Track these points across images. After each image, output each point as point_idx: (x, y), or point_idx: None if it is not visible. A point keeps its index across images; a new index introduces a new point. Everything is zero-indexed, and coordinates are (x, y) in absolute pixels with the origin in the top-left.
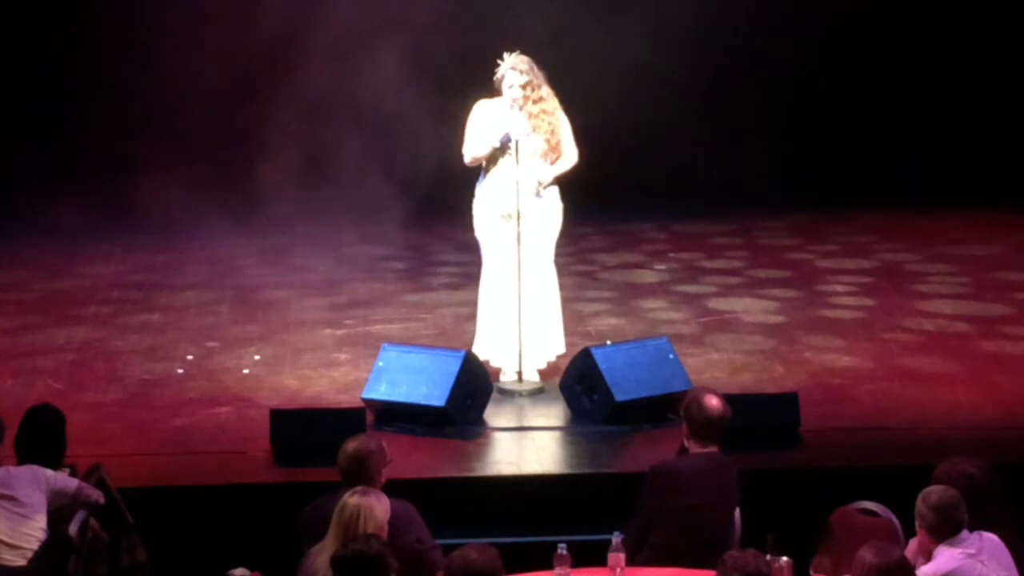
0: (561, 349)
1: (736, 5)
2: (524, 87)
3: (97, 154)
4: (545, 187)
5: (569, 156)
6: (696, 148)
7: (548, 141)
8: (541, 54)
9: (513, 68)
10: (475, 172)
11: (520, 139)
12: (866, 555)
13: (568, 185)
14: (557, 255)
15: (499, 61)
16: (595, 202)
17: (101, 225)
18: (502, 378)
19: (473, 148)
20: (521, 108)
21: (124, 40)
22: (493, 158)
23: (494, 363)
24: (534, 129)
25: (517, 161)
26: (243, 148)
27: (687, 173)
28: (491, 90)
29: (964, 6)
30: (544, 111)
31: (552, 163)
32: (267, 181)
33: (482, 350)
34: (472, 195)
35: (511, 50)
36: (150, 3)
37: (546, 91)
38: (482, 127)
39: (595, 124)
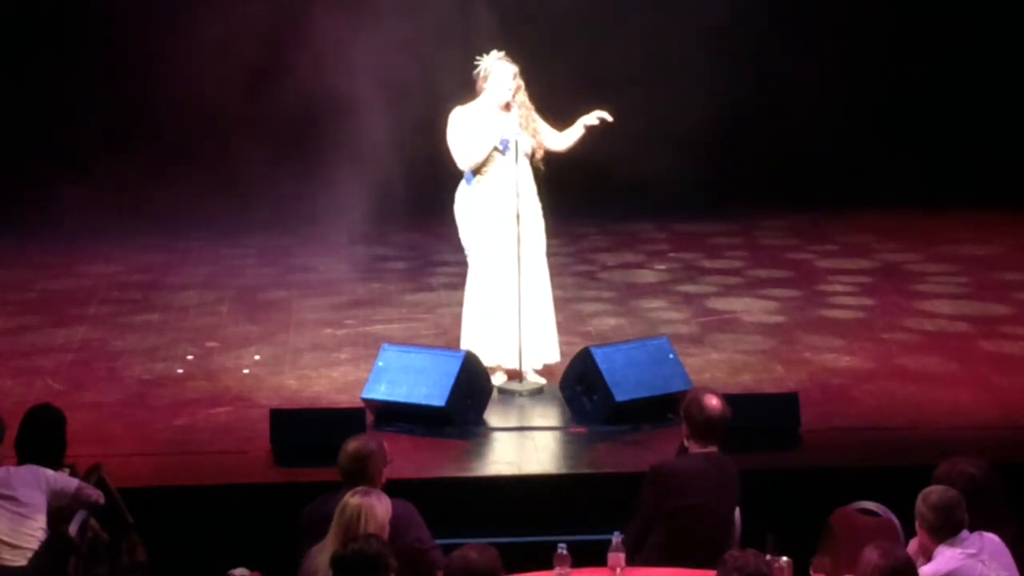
0: (556, 357)
1: (738, 5)
2: (515, 77)
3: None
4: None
5: (560, 134)
6: (697, 147)
7: (535, 136)
8: (541, 54)
9: (501, 60)
10: (459, 175)
11: (519, 138)
12: (871, 555)
13: (568, 184)
14: (556, 255)
15: (476, 61)
16: (595, 202)
17: (102, 225)
18: (496, 378)
19: (470, 154)
20: (514, 96)
21: (128, 40)
22: (486, 160)
23: (488, 363)
24: (525, 124)
25: (516, 160)
26: (243, 148)
27: (687, 173)
28: (463, 98)
29: (965, 6)
30: (526, 106)
31: (540, 160)
32: (268, 182)
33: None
34: (454, 199)
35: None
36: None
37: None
38: (470, 132)
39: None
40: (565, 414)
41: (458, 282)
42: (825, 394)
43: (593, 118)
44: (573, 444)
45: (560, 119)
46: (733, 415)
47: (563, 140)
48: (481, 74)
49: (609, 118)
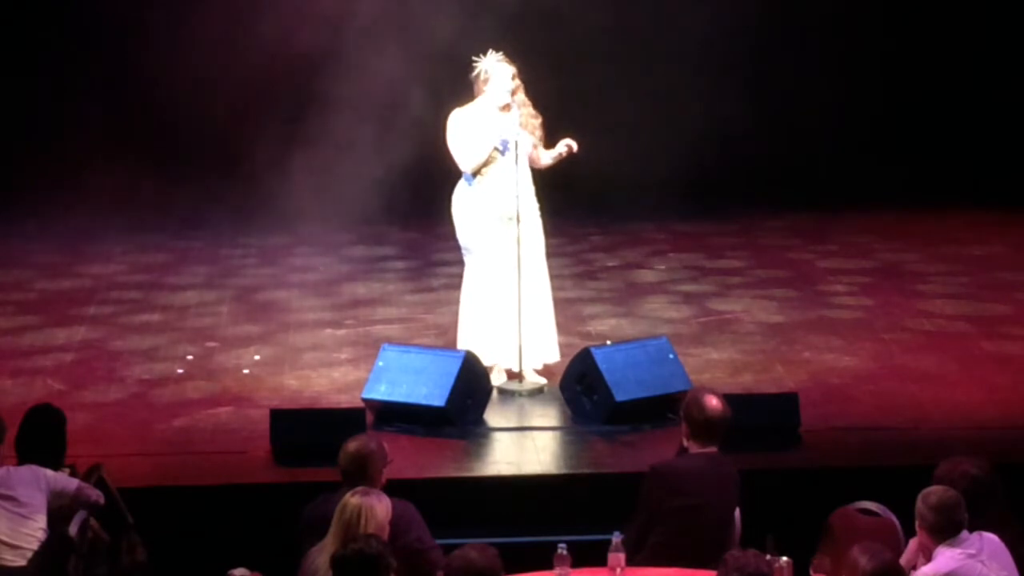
0: (556, 357)
1: (737, 4)
2: (513, 78)
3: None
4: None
5: (546, 152)
6: (697, 147)
7: (534, 134)
8: (546, 58)
9: (499, 61)
10: (457, 175)
11: (519, 139)
12: (860, 559)
13: (568, 185)
14: (556, 255)
15: (474, 62)
16: (595, 202)
17: (102, 225)
18: (495, 378)
19: (471, 156)
20: (513, 96)
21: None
22: (486, 161)
23: (485, 363)
24: (525, 123)
25: (516, 161)
26: (243, 147)
27: (687, 173)
28: (463, 99)
29: (965, 6)
30: (526, 105)
31: (539, 161)
32: (268, 181)
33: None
34: (452, 198)
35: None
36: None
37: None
38: (471, 133)
39: (596, 124)
40: (565, 414)
41: (458, 282)
42: (825, 394)
43: (561, 147)
44: (573, 444)
45: (560, 121)
46: (733, 415)
47: (546, 157)
48: (480, 75)
49: (575, 147)
